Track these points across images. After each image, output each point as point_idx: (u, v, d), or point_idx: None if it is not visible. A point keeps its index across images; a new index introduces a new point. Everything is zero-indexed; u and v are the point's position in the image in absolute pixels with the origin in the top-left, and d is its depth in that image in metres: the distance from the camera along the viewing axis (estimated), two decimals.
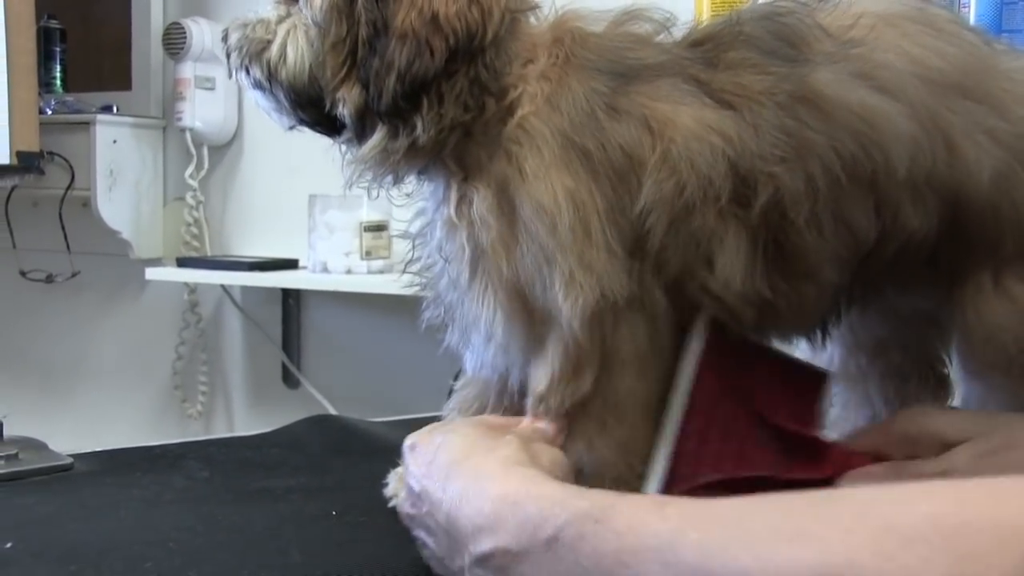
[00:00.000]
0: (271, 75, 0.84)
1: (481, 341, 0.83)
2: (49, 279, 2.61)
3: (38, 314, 2.76)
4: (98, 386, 2.72)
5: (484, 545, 0.64)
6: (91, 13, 2.73)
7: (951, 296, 0.88)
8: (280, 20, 0.85)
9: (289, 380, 2.45)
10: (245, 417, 2.55)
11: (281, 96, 0.84)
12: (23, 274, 2.62)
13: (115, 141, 2.45)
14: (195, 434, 2.57)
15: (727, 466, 0.76)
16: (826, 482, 0.77)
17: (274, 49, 0.84)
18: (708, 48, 0.83)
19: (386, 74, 0.78)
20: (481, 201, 0.79)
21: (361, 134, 0.82)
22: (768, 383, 0.81)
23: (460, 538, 0.67)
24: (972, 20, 1.48)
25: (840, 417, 1.08)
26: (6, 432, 1.11)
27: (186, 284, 2.50)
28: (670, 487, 0.75)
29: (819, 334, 0.91)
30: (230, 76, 0.89)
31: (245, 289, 2.46)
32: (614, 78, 0.80)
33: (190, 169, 2.47)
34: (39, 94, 2.55)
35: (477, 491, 0.67)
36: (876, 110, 0.80)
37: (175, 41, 2.38)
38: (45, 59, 2.66)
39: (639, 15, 0.85)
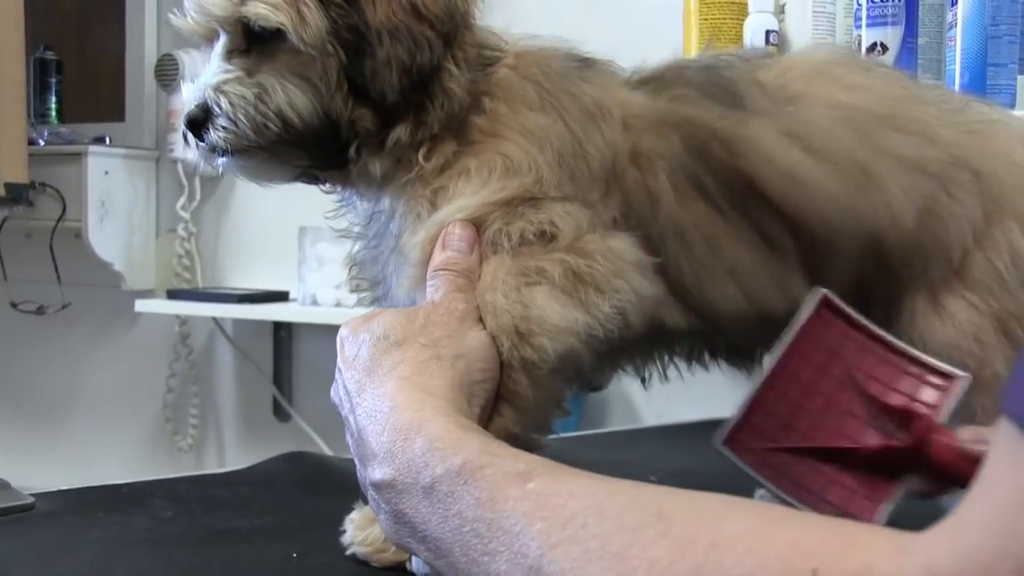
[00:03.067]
0: (285, 124, 0.81)
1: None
2: (40, 311, 2.60)
3: (29, 346, 2.75)
4: (89, 418, 2.70)
5: (378, 473, 0.68)
6: (87, 44, 2.73)
7: (891, 327, 0.87)
8: (250, 72, 0.81)
9: (280, 413, 2.43)
10: (236, 450, 2.53)
11: (289, 144, 0.82)
12: (14, 305, 2.61)
13: (107, 172, 2.45)
14: (186, 466, 2.55)
15: (821, 436, 0.72)
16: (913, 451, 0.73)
17: (279, 96, 0.81)
18: (654, 84, 0.87)
19: (387, 72, 0.79)
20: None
21: (380, 147, 0.83)
22: (885, 372, 0.73)
23: (365, 456, 0.71)
24: (958, 54, 1.47)
25: None
26: None
27: (177, 316, 2.49)
28: (747, 437, 0.71)
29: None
30: (213, 153, 0.83)
31: (236, 321, 2.45)
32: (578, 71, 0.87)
33: (182, 200, 2.47)
34: (34, 125, 2.56)
35: (380, 414, 0.70)
36: (801, 174, 0.84)
37: (168, 72, 2.38)
38: (41, 90, 2.67)
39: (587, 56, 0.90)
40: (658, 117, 0.85)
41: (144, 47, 2.53)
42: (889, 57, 1.54)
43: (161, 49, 2.52)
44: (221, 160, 0.83)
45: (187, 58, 2.37)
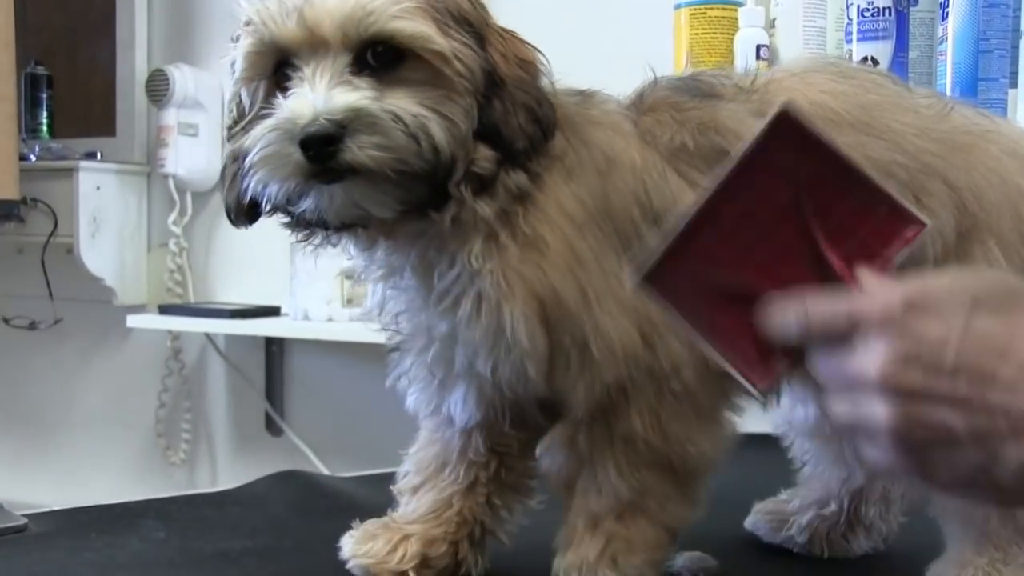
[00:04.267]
0: (436, 153, 0.75)
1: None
2: (32, 326, 2.59)
3: (21, 361, 2.74)
4: (82, 433, 2.69)
5: None
6: (77, 59, 2.73)
7: None
8: (380, 94, 0.75)
9: (272, 428, 2.42)
10: (228, 465, 2.52)
11: (416, 177, 0.76)
12: (6, 321, 2.60)
13: (98, 188, 2.44)
14: (178, 481, 2.54)
15: (746, 274, 0.65)
16: None
17: (434, 124, 0.75)
18: (635, 102, 0.88)
19: (518, 116, 0.79)
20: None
21: (480, 190, 0.79)
22: (840, 204, 0.66)
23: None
24: (949, 69, 1.48)
25: (813, 475, 1.06)
26: None
27: (169, 331, 2.48)
28: (664, 272, 0.65)
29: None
30: (329, 175, 0.74)
31: (228, 336, 2.44)
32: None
33: (173, 215, 2.46)
34: (24, 140, 2.56)
35: None
36: None
37: (158, 88, 2.38)
38: (32, 105, 2.66)
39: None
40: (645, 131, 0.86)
41: (135, 62, 2.52)
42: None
43: (152, 64, 2.51)
44: (325, 188, 0.75)
45: (178, 73, 2.36)
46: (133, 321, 2.34)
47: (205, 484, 2.54)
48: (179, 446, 2.51)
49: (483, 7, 0.82)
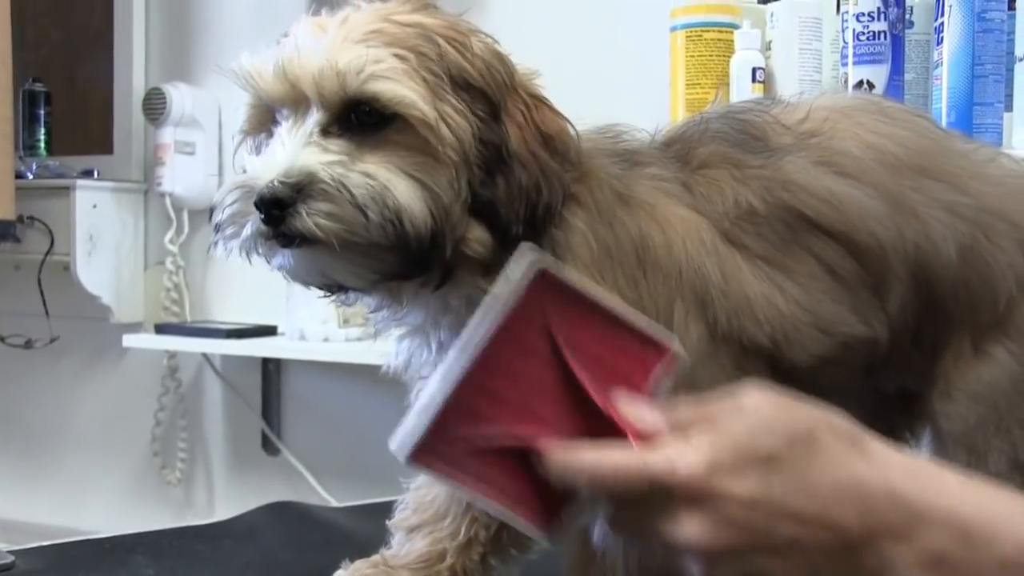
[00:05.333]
0: (401, 224, 0.71)
1: None
2: (28, 344, 2.58)
3: (18, 380, 2.74)
4: (78, 451, 2.68)
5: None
6: (75, 76, 2.73)
7: (933, 369, 0.88)
8: (352, 158, 0.72)
9: (269, 447, 2.41)
10: (225, 484, 2.51)
11: (385, 248, 0.72)
12: (2, 339, 2.59)
13: (95, 206, 2.44)
14: (175, 500, 2.54)
15: (518, 429, 0.64)
16: None
17: (401, 193, 0.71)
18: (679, 147, 0.85)
19: (517, 200, 0.74)
20: None
21: (486, 275, 0.75)
22: (597, 345, 0.66)
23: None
24: (944, 93, 1.47)
25: None
26: None
27: (166, 351, 2.48)
28: (433, 442, 0.62)
29: None
30: (281, 239, 0.71)
31: (225, 356, 2.44)
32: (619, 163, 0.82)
33: (170, 234, 2.46)
34: (22, 158, 2.55)
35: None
36: (841, 194, 0.83)
37: (155, 106, 2.38)
38: (29, 122, 2.66)
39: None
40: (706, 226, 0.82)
41: (132, 80, 2.53)
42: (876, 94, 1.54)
43: (149, 82, 2.51)
44: (285, 251, 0.73)
45: (175, 92, 2.37)
46: (130, 341, 2.34)
47: (202, 504, 2.54)
48: (175, 465, 2.51)
49: (505, 73, 0.77)
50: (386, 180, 0.71)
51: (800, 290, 0.81)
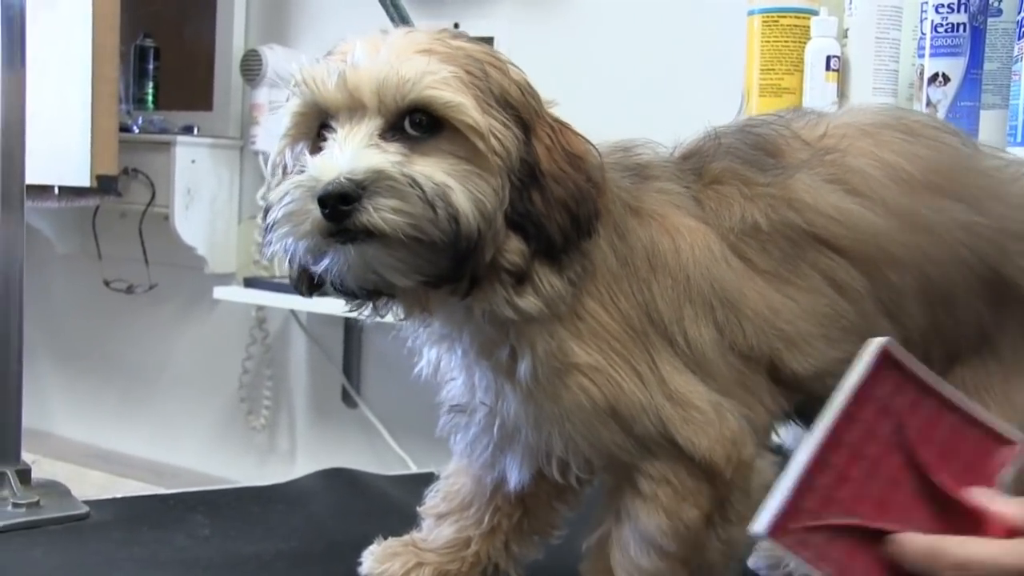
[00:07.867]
0: (458, 225, 0.74)
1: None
2: (130, 290, 2.73)
3: (120, 322, 2.89)
4: (172, 392, 2.84)
5: None
6: (183, 33, 2.83)
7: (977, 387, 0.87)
8: (408, 160, 0.75)
9: (348, 400, 2.51)
10: (306, 432, 2.63)
11: (437, 249, 0.75)
12: (107, 283, 2.74)
13: (193, 161, 2.55)
14: (259, 445, 2.66)
15: (863, 511, 0.66)
16: None
17: (458, 195, 0.74)
18: (695, 161, 0.87)
19: (557, 212, 0.78)
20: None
21: (520, 281, 0.78)
22: (939, 431, 0.69)
23: None
24: (1023, 89, 1.44)
25: None
26: (33, 477, 1.17)
27: (254, 303, 2.59)
28: (787, 520, 0.65)
29: None
30: (344, 235, 0.73)
31: (311, 312, 2.53)
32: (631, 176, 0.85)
33: (263, 190, 2.55)
34: (129, 111, 2.68)
35: None
36: (848, 211, 0.84)
37: (252, 67, 2.46)
38: (139, 76, 2.78)
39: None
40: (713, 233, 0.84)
41: (232, 40, 2.62)
42: (951, 88, 1.52)
43: (248, 43, 2.60)
44: (341, 248, 0.75)
45: (271, 53, 2.44)
46: (220, 293, 2.45)
47: (284, 450, 2.66)
48: (260, 412, 2.63)
49: (535, 98, 0.80)
50: (444, 180, 0.74)
51: (804, 303, 0.83)
